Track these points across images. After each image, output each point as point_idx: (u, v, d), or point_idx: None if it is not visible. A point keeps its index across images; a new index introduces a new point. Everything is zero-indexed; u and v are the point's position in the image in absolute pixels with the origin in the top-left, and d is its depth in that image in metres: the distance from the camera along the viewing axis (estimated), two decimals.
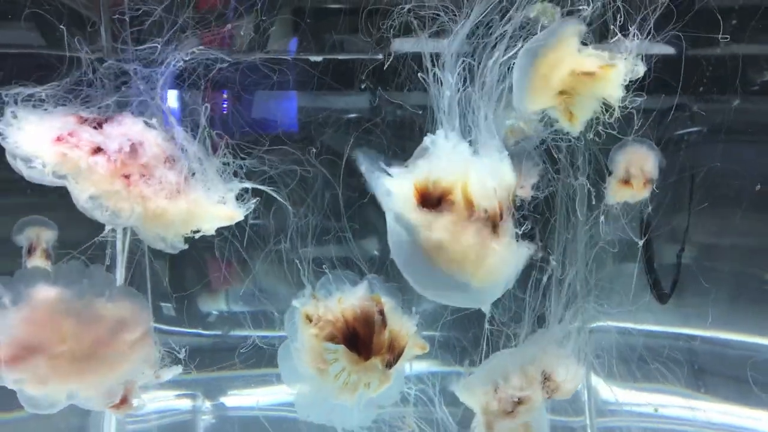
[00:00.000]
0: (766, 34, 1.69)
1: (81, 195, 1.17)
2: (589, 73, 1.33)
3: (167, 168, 1.24)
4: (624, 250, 1.81)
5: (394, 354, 1.44)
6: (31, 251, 1.55)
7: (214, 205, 1.28)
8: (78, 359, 1.29)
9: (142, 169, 1.21)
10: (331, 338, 1.43)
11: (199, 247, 1.75)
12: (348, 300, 1.46)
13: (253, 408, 2.00)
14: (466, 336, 1.73)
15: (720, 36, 1.49)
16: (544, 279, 1.65)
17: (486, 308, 1.43)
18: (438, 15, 1.36)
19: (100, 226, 1.31)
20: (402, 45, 1.52)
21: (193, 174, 1.28)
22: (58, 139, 1.17)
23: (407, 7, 1.36)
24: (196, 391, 2.02)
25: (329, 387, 1.46)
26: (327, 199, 1.62)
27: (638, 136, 1.56)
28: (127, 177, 1.19)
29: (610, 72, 1.32)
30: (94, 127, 1.21)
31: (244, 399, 2.03)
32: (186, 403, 2.02)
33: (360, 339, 1.43)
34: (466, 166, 1.30)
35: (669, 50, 1.51)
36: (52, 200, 1.58)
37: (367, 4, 1.49)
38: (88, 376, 1.32)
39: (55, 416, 1.52)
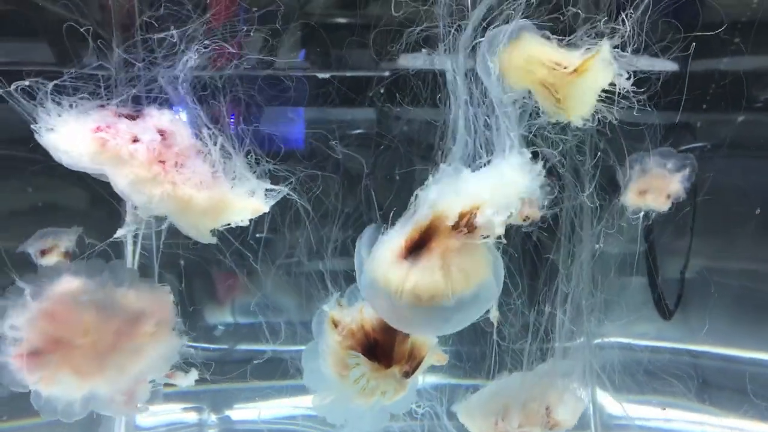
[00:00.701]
0: None
1: (120, 180, 1.21)
2: (574, 71, 1.30)
3: (197, 159, 1.29)
4: (628, 265, 1.81)
5: (413, 364, 1.46)
6: (45, 252, 1.57)
7: (240, 198, 1.30)
8: (99, 352, 1.31)
9: (175, 157, 1.26)
10: (352, 349, 1.46)
11: (207, 260, 1.77)
12: (371, 309, 1.47)
13: (258, 421, 2.00)
14: (473, 350, 1.73)
15: (721, 31, 1.49)
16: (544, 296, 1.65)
17: (494, 313, 1.45)
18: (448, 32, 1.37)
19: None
20: (411, 60, 1.54)
21: (221, 167, 1.32)
22: (98, 129, 1.23)
23: (418, 29, 1.37)
24: (203, 404, 2.02)
25: (348, 390, 1.48)
26: (339, 212, 1.63)
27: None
28: (162, 164, 1.24)
29: (593, 62, 1.29)
30: (128, 119, 1.27)
31: (249, 412, 2.03)
32: (192, 417, 2.01)
33: (380, 347, 1.45)
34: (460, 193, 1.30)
35: (673, 66, 1.52)
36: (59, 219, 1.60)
37: (378, 22, 1.51)
38: (108, 370, 1.33)
39: (64, 429, 1.52)
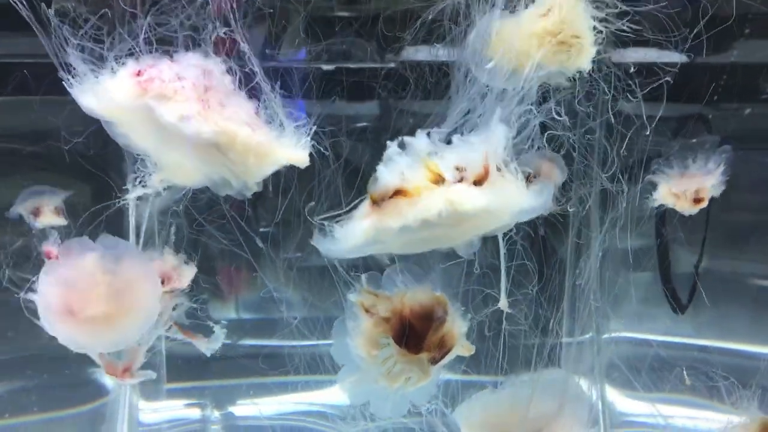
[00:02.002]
0: None
1: (167, 117, 1.21)
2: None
3: (238, 98, 1.29)
4: (640, 259, 1.80)
5: (441, 352, 1.48)
6: (37, 214, 1.57)
7: (281, 145, 1.30)
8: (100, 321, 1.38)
9: (217, 95, 1.26)
10: (384, 333, 1.49)
11: (211, 255, 1.76)
12: (413, 295, 1.50)
13: (261, 417, 2.00)
14: (481, 346, 1.72)
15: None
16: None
17: (503, 303, 1.45)
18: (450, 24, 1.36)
19: None
20: (414, 53, 1.52)
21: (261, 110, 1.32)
22: (139, 73, 1.24)
23: (430, 17, 1.36)
24: (205, 400, 2.01)
25: (374, 371, 1.51)
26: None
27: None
28: (205, 102, 1.25)
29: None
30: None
31: (253, 408, 2.02)
32: (195, 413, 2.01)
33: (414, 332, 1.47)
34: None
35: (682, 58, 1.50)
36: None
37: (381, 13, 1.49)
38: (108, 335, 1.42)
39: (67, 426, 1.52)
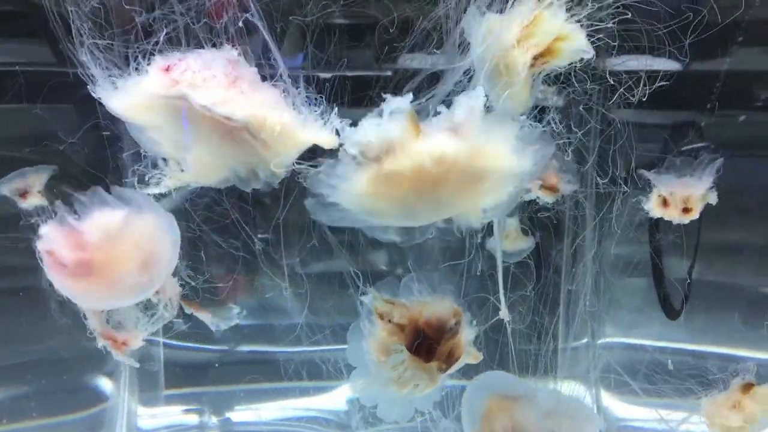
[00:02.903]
0: None
1: (202, 101, 1.24)
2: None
3: (263, 86, 1.31)
4: (634, 264, 1.81)
5: (450, 361, 1.51)
6: (24, 195, 1.58)
7: (308, 127, 1.31)
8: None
9: (245, 82, 1.28)
10: (398, 341, 1.52)
11: (209, 260, 1.76)
12: (431, 307, 1.53)
13: (259, 423, 2.00)
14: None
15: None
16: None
17: (504, 312, 1.46)
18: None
19: None
20: (410, 61, 1.53)
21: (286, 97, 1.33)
22: (168, 68, 1.26)
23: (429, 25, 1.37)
24: (203, 406, 2.01)
25: (385, 374, 1.54)
26: None
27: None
28: (235, 88, 1.27)
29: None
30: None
31: (250, 414, 2.03)
32: (193, 419, 2.01)
33: (427, 341, 1.51)
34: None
35: (675, 66, 1.51)
36: None
37: (377, 21, 1.50)
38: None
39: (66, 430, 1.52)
